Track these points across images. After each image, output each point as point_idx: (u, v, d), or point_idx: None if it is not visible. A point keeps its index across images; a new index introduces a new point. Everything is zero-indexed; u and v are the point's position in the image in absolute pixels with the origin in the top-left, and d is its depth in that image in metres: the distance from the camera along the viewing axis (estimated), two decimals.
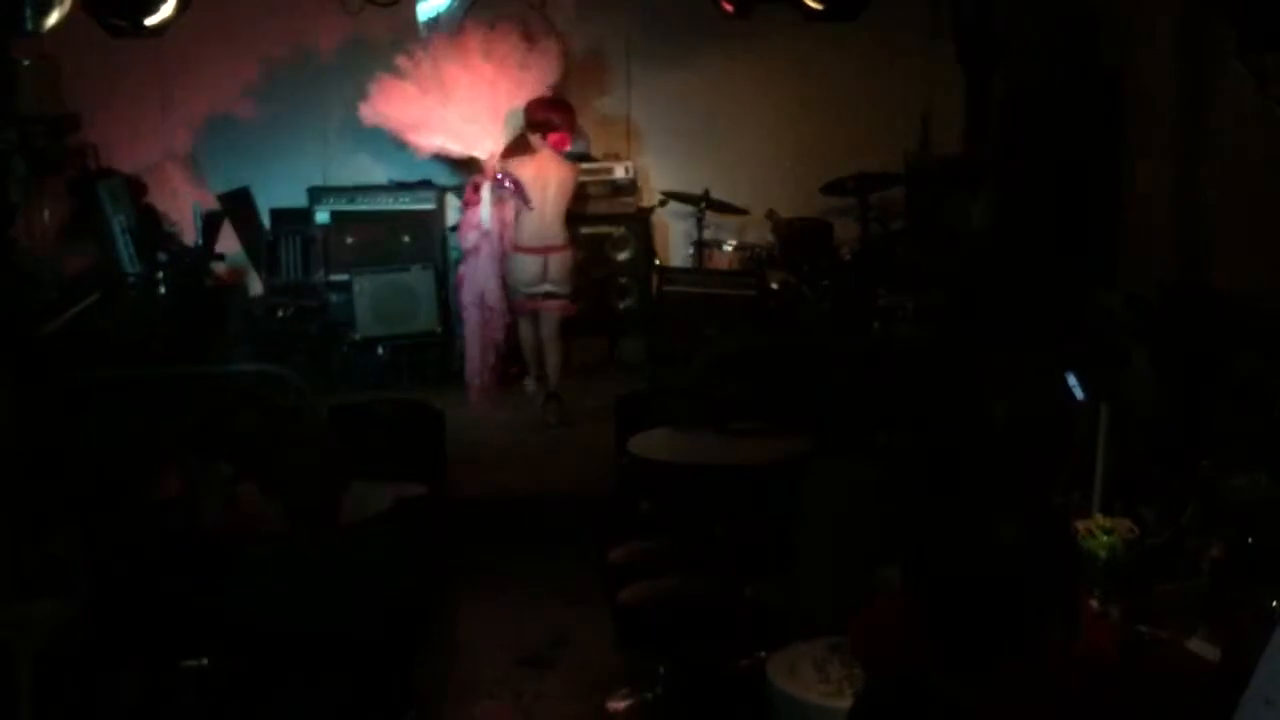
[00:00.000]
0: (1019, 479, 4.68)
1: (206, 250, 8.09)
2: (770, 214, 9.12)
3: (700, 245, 9.15)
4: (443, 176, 9.41)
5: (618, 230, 9.18)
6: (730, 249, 9.19)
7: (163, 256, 7.80)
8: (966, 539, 2.70)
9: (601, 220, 9.16)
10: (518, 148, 8.54)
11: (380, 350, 8.94)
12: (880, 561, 4.04)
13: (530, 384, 8.64)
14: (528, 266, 8.17)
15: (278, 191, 9.38)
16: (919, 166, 9.12)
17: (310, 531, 4.09)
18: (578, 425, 8.08)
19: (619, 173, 9.26)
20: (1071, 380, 4.64)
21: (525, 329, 8.46)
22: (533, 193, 8.10)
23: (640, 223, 9.25)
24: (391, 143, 9.22)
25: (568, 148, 8.62)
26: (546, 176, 8.16)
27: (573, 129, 8.71)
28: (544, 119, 8.30)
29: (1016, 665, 2.74)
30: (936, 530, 2.77)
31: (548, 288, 8.20)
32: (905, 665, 2.73)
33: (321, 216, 9.10)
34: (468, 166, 8.92)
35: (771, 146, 9.54)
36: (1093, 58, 7.05)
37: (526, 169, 8.18)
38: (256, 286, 9.15)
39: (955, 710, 2.57)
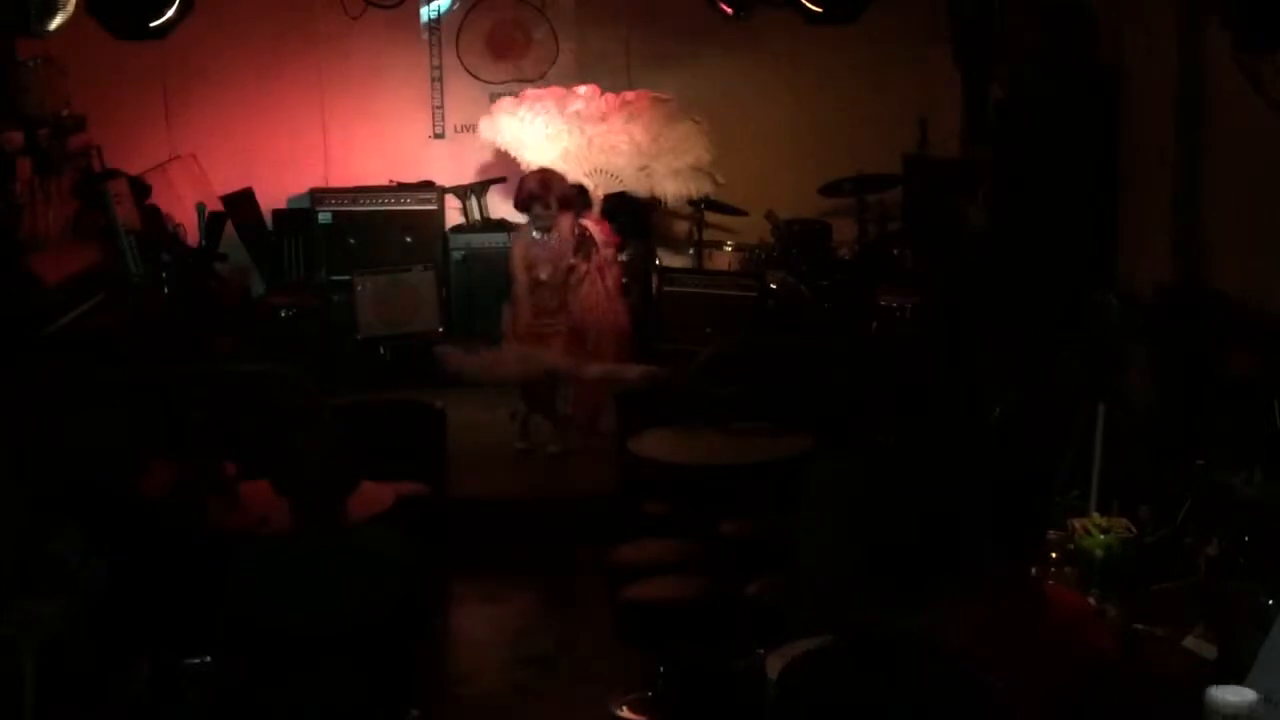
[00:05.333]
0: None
1: (210, 251, 8.10)
2: (769, 215, 9.15)
3: (700, 245, 9.18)
4: (443, 178, 9.45)
5: None
6: (730, 249, 9.21)
7: (166, 257, 7.81)
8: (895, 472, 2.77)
9: None
10: None
11: (381, 350, 8.96)
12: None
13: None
14: None
15: (280, 192, 9.43)
16: (916, 168, 9.15)
17: (312, 530, 4.12)
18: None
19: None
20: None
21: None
22: None
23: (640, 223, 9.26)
24: (392, 143, 9.27)
25: None
26: None
27: None
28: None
29: (971, 596, 2.79)
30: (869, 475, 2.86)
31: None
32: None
33: (323, 217, 9.14)
34: None
35: (770, 148, 9.56)
36: (1090, 58, 7.07)
37: None
38: (259, 287, 9.19)
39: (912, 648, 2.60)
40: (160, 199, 8.41)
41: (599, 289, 7.83)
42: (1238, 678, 3.03)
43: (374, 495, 5.11)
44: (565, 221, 7.64)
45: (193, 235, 8.39)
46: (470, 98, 9.66)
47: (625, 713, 5.35)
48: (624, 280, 8.22)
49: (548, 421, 7.79)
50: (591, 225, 7.89)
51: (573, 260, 7.61)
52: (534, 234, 7.56)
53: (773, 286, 8.58)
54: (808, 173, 9.12)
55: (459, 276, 9.13)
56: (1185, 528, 4.12)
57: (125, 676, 4.72)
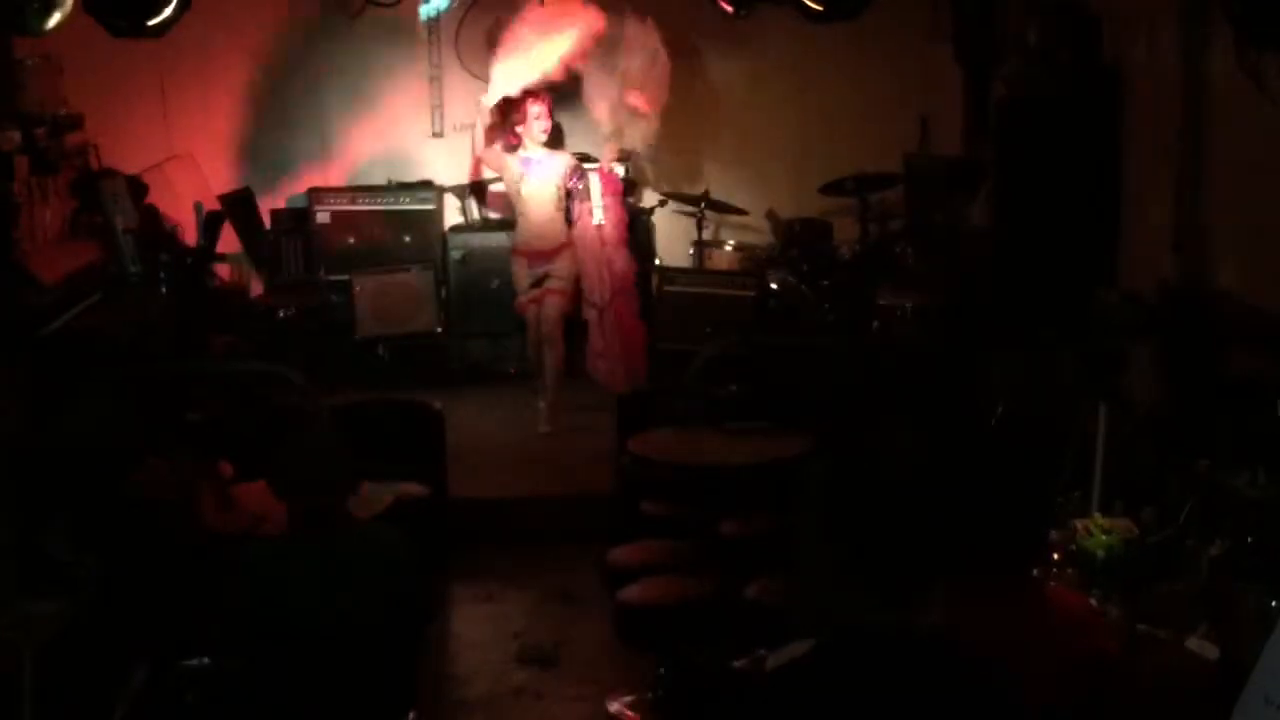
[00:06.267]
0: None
1: (207, 250, 8.08)
2: (770, 214, 9.13)
3: (700, 245, 9.16)
4: (442, 177, 9.43)
5: None
6: (730, 249, 9.19)
7: (164, 256, 7.80)
8: (875, 465, 2.77)
9: None
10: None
11: (380, 350, 8.95)
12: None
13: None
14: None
15: (278, 191, 9.41)
16: (918, 167, 9.12)
17: (311, 531, 4.10)
18: (578, 425, 8.07)
19: (619, 172, 9.26)
20: None
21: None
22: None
23: (640, 223, 9.24)
24: (391, 143, 9.23)
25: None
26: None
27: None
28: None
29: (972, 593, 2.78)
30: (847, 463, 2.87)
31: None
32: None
33: (322, 216, 9.12)
34: None
35: (771, 147, 9.54)
36: (1092, 57, 7.06)
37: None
38: (257, 286, 9.17)
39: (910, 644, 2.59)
40: (158, 198, 8.39)
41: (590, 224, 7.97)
42: (1240, 679, 3.01)
43: (374, 495, 5.09)
44: (561, 155, 7.90)
45: (190, 234, 8.38)
46: (470, 97, 9.62)
47: (625, 713, 5.34)
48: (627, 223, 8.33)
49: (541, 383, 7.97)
50: (596, 174, 8.00)
51: (564, 185, 7.81)
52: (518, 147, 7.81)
53: (773, 286, 8.57)
54: (808, 172, 9.09)
55: (458, 276, 9.10)
56: (1188, 528, 4.10)
57: (124, 676, 4.70)
